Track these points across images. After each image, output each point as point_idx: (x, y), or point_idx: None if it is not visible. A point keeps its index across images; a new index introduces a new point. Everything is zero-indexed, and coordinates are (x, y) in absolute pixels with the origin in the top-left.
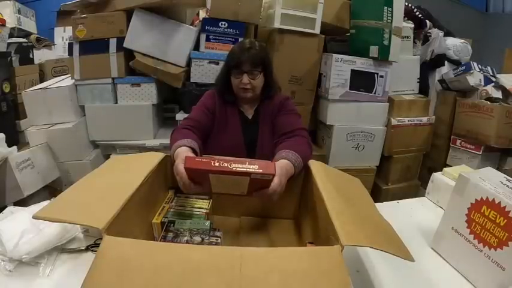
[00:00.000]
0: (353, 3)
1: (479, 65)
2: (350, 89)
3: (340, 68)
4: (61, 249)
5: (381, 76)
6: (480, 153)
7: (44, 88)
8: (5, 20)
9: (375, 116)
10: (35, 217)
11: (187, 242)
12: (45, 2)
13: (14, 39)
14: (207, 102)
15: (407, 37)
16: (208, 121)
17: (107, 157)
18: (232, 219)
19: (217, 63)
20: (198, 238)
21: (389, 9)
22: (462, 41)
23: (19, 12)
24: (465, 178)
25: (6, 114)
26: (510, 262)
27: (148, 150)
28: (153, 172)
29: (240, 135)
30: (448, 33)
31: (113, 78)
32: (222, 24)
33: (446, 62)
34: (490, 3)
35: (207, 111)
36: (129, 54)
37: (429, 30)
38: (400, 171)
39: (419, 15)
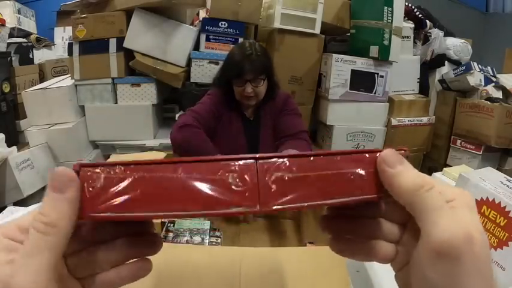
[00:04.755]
0: (353, 3)
1: (479, 65)
2: (350, 89)
3: (340, 68)
4: None
5: (381, 76)
6: (480, 153)
7: (44, 88)
8: (5, 20)
9: (375, 116)
10: None
11: (187, 242)
12: (45, 2)
13: (13, 39)
14: (217, 106)
15: (408, 37)
16: (214, 124)
17: (107, 157)
18: (232, 219)
19: (217, 63)
20: (198, 238)
21: (390, 9)
22: (462, 41)
23: (19, 12)
24: (465, 178)
25: (6, 114)
26: (510, 262)
27: (148, 150)
28: None
29: (242, 138)
30: (448, 33)
31: (113, 78)
32: (222, 24)
33: (446, 62)
34: (490, 3)
35: (212, 114)
36: (129, 54)
37: (429, 30)
38: None
39: (420, 15)
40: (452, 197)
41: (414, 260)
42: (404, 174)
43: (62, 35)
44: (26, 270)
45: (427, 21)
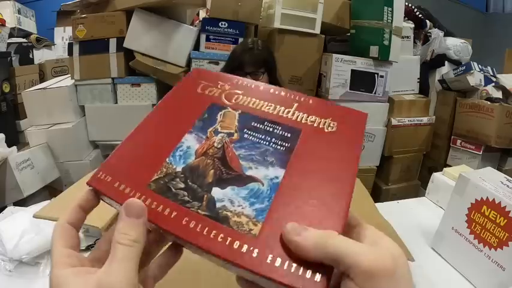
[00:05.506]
0: (353, 3)
1: (479, 65)
2: (350, 89)
3: (340, 68)
4: None
5: (381, 76)
6: (480, 153)
7: (44, 88)
8: (5, 20)
9: (375, 116)
10: (35, 216)
11: None
12: (45, 2)
13: (14, 39)
14: None
15: (408, 37)
16: None
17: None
18: None
19: (217, 63)
20: None
21: (390, 9)
22: (462, 41)
23: (19, 12)
24: (465, 178)
25: (6, 114)
26: (510, 262)
27: None
28: None
29: None
30: (448, 33)
31: (113, 78)
32: (222, 24)
33: (446, 62)
34: (490, 3)
35: None
36: (129, 54)
37: (429, 30)
38: (400, 171)
39: (420, 15)
40: (368, 233)
41: None
42: (311, 235)
43: (62, 35)
44: (120, 272)
45: (427, 21)
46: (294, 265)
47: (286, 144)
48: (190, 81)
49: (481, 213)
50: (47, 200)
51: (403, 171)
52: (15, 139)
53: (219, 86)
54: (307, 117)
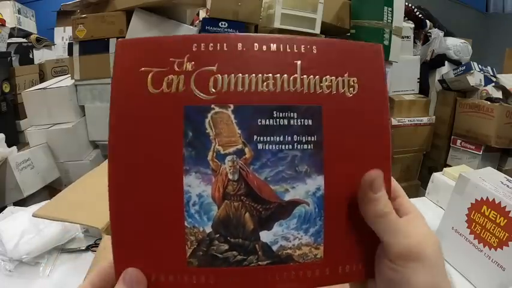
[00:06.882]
0: (353, 3)
1: (479, 65)
2: None
3: None
4: (61, 249)
5: None
6: (480, 153)
7: (44, 88)
8: (5, 20)
9: None
10: (34, 216)
11: None
12: (45, 2)
13: (14, 39)
14: None
15: (408, 37)
16: None
17: (107, 157)
18: None
19: None
20: None
21: (390, 9)
22: (462, 41)
23: (19, 12)
24: (465, 178)
25: (6, 114)
26: (510, 262)
27: None
28: None
29: None
30: (448, 33)
31: None
32: (222, 24)
33: (446, 62)
34: (490, 3)
35: None
36: None
37: (429, 30)
38: (400, 171)
39: (420, 15)
40: (408, 210)
41: (380, 269)
42: (381, 201)
43: (62, 35)
44: None
45: (427, 21)
46: (360, 265)
47: (312, 138)
48: (129, 73)
49: (481, 213)
50: (47, 200)
51: (403, 171)
52: (15, 139)
53: (175, 68)
54: (321, 80)
